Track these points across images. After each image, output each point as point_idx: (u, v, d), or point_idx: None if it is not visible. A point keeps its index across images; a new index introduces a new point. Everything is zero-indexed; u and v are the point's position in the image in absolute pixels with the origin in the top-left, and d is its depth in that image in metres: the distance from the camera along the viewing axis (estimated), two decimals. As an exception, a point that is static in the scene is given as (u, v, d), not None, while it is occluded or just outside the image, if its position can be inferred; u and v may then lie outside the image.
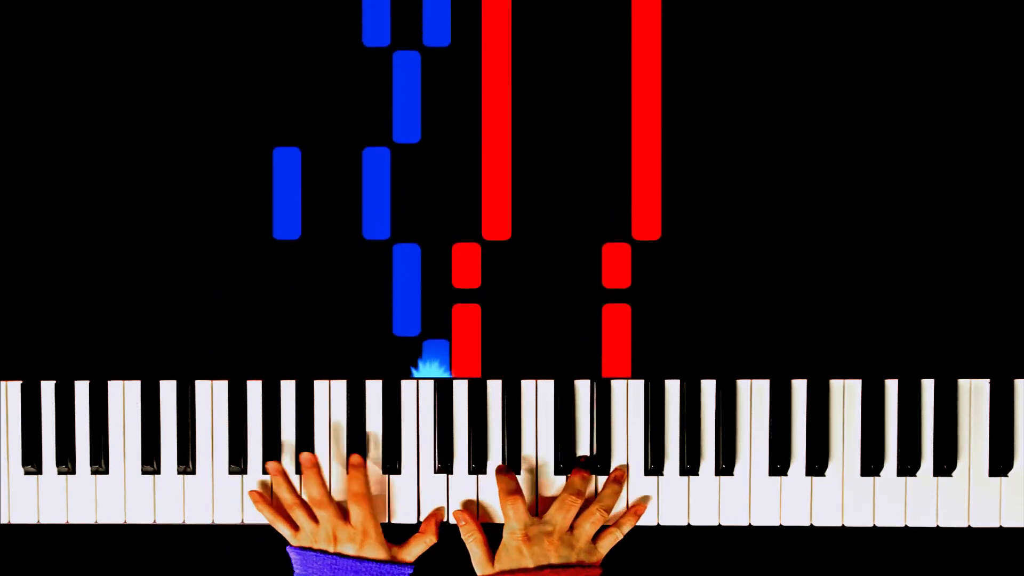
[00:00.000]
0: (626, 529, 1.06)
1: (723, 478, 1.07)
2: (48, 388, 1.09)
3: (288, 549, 1.05)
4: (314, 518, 1.05)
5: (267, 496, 1.08)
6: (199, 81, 1.06)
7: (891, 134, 1.05)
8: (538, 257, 1.06)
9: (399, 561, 1.05)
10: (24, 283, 1.07)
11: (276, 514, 1.07)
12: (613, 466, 1.07)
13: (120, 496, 1.09)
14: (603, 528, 1.06)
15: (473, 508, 1.08)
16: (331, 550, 1.03)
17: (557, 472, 1.07)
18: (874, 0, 1.04)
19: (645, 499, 1.08)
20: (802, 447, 1.07)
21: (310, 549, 1.04)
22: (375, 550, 1.03)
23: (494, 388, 1.08)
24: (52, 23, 1.06)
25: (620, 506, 1.07)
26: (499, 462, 1.08)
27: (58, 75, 1.06)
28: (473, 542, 1.05)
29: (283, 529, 1.06)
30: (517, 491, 1.05)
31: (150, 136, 1.06)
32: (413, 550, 1.06)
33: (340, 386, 1.08)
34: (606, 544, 1.05)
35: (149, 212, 1.07)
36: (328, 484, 1.08)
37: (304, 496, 1.07)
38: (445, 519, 1.09)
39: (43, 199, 1.07)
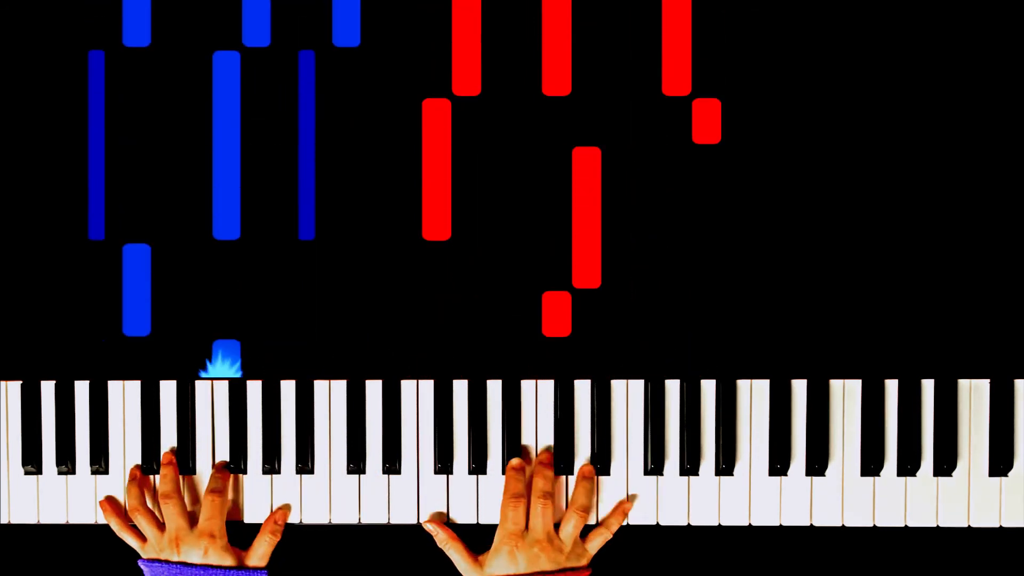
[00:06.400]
0: (614, 528, 1.06)
1: (723, 478, 1.07)
2: (48, 388, 1.09)
3: (139, 563, 1.04)
4: (159, 526, 1.04)
5: (121, 507, 1.07)
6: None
7: (891, 134, 1.05)
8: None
9: (248, 567, 1.03)
10: (24, 283, 1.07)
11: (123, 523, 1.06)
12: (614, 466, 1.07)
13: (120, 496, 1.09)
14: (592, 528, 1.06)
15: (438, 518, 1.07)
16: (174, 559, 1.01)
17: (557, 472, 1.07)
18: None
19: (632, 497, 1.07)
20: (802, 447, 1.07)
21: (157, 560, 1.02)
22: (220, 556, 1.01)
23: (494, 388, 1.08)
24: None
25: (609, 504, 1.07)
26: (499, 462, 1.07)
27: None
28: (452, 550, 1.04)
29: (130, 540, 1.05)
30: (523, 495, 1.04)
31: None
32: (259, 551, 1.04)
33: (340, 386, 1.08)
34: (595, 545, 1.05)
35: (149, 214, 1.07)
36: (328, 487, 1.08)
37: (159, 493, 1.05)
38: (293, 519, 1.07)
39: (42, 200, 1.07)
